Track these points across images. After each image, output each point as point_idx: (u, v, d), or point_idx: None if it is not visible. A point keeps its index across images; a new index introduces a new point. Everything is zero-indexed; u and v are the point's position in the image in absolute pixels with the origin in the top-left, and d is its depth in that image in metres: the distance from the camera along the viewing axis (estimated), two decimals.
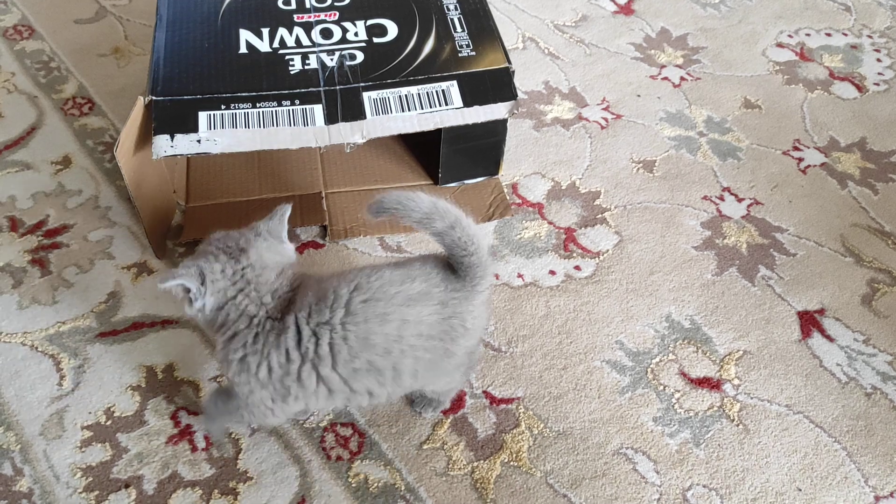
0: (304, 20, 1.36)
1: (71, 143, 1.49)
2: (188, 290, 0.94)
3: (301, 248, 1.33)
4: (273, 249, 0.99)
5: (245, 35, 1.32)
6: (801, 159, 1.53)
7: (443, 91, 1.26)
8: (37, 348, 1.18)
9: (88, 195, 1.40)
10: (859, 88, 1.70)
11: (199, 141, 1.18)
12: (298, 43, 1.32)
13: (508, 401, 1.15)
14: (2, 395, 1.13)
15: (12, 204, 1.38)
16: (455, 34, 1.33)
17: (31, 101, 1.57)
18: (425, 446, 1.10)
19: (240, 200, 1.38)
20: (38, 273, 1.28)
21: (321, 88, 1.25)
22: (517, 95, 1.28)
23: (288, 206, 1.02)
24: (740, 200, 1.45)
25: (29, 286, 1.26)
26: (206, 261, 0.95)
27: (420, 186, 1.43)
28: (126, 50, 1.69)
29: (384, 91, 1.26)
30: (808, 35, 1.83)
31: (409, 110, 1.24)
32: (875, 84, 1.71)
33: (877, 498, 1.07)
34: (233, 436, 1.10)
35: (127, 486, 1.05)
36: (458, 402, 1.15)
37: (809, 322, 1.26)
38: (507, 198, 1.42)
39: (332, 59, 1.29)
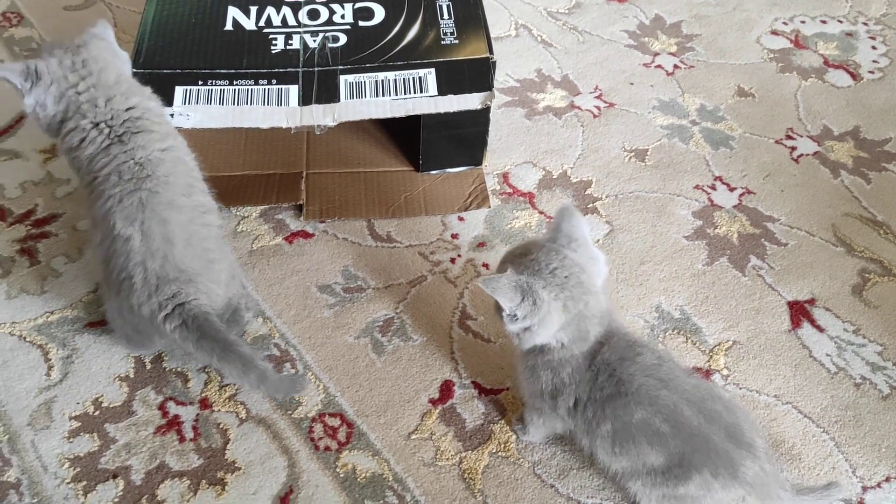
0: (293, 0, 1.35)
1: None
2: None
3: (291, 238, 1.33)
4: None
5: (233, 12, 1.33)
6: (793, 148, 1.53)
7: (419, 78, 1.26)
8: (25, 338, 1.18)
9: (77, 184, 1.39)
10: (854, 76, 1.69)
11: (172, 115, 1.19)
12: (284, 22, 1.32)
13: (497, 391, 1.15)
14: None
15: (1, 193, 1.37)
16: (441, 21, 1.33)
17: None
18: (413, 437, 1.10)
19: (222, 175, 1.38)
20: (26, 263, 1.27)
21: (300, 69, 1.25)
22: (493, 86, 1.27)
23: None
24: (732, 190, 1.44)
25: (17, 276, 1.26)
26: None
27: (402, 172, 1.42)
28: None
29: (361, 75, 1.25)
30: (802, 22, 1.82)
31: (383, 95, 1.24)
32: (870, 72, 1.70)
33: (864, 488, 1.07)
34: (221, 426, 1.10)
35: (115, 477, 1.04)
36: (447, 392, 1.15)
37: (799, 312, 1.26)
38: (498, 187, 1.42)
39: (314, 41, 1.29)
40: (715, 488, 0.92)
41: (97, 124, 1.05)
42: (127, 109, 1.07)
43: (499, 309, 0.93)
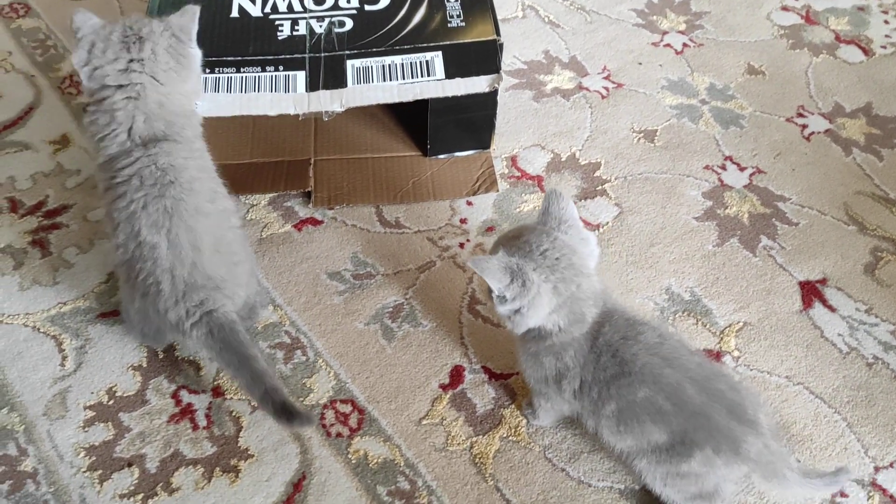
0: None
1: (69, 123, 1.48)
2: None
3: (300, 225, 1.33)
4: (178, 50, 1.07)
5: None
6: (805, 126, 1.51)
7: (426, 62, 1.25)
8: (39, 329, 1.19)
9: (87, 174, 1.40)
10: (866, 52, 1.67)
11: None
12: (290, 8, 1.31)
13: (507, 376, 1.16)
14: (5, 377, 1.14)
15: (11, 185, 1.38)
16: (447, 4, 1.32)
17: (29, 81, 1.56)
18: (424, 422, 1.10)
19: (230, 164, 1.38)
20: (38, 254, 1.28)
21: (306, 55, 1.25)
22: (500, 69, 1.26)
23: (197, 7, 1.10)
24: (742, 169, 1.43)
25: (30, 267, 1.27)
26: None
27: (410, 158, 1.42)
28: None
29: (368, 60, 1.25)
30: None
31: (390, 80, 1.24)
32: (882, 47, 1.68)
33: (876, 468, 1.07)
34: (233, 414, 1.11)
35: (130, 465, 1.06)
36: (458, 377, 1.15)
37: (811, 292, 1.25)
38: (506, 171, 1.41)
39: (321, 26, 1.28)
40: (717, 465, 0.92)
41: (130, 131, 1.04)
42: (163, 130, 1.05)
43: (489, 290, 0.93)
